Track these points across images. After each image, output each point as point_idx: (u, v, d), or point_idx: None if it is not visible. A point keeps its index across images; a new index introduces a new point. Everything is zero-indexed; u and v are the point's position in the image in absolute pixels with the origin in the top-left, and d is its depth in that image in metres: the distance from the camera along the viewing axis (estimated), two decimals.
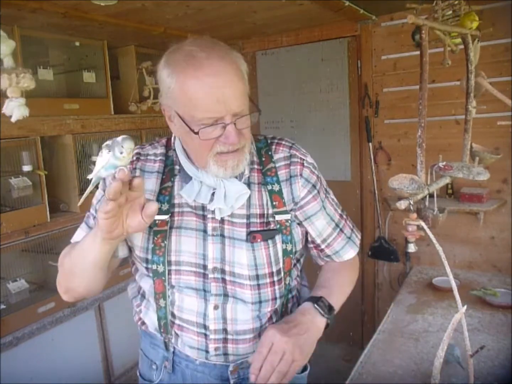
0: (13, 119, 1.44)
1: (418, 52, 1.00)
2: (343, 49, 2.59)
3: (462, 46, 1.14)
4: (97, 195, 1.01)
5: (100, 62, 2.32)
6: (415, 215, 1.00)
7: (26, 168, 1.93)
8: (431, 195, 1.01)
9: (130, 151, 0.75)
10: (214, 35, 0.92)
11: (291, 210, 1.00)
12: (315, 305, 0.97)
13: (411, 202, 0.95)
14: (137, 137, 2.44)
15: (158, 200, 0.96)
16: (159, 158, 1.01)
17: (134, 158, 0.99)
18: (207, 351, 0.98)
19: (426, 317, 1.69)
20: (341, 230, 1.07)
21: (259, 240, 0.96)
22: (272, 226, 0.97)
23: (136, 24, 2.08)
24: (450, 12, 1.09)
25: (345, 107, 2.65)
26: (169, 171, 0.99)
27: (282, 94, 2.84)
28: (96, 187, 0.97)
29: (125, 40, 2.39)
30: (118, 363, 2.27)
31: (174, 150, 1.00)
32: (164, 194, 0.97)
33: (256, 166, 1.00)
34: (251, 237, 0.95)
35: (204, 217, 0.97)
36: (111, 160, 0.75)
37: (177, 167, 0.99)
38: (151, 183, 0.98)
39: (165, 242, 0.95)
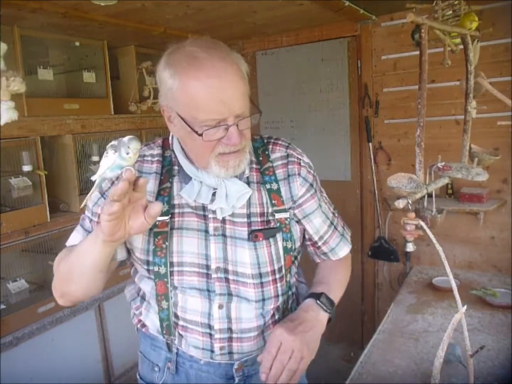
0: (1, 122, 1.45)
1: (418, 52, 1.00)
2: (343, 49, 2.59)
3: (462, 46, 1.14)
4: (93, 198, 0.99)
5: (100, 62, 2.32)
6: (413, 214, 1.00)
7: (26, 168, 1.93)
8: (429, 195, 1.01)
9: (136, 151, 0.75)
10: (214, 35, 0.92)
11: (289, 208, 1.01)
12: (318, 301, 0.99)
13: (410, 201, 0.95)
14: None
15: (157, 201, 0.96)
16: (156, 159, 1.00)
17: None
18: (212, 351, 0.99)
19: (426, 317, 1.69)
20: (335, 227, 1.11)
21: (261, 239, 0.96)
22: (272, 224, 0.99)
23: (136, 24, 2.08)
24: (450, 12, 1.09)
25: (345, 107, 2.65)
26: (167, 171, 0.99)
27: (282, 94, 2.84)
28: None
29: (125, 40, 2.39)
30: (118, 363, 2.27)
31: (173, 150, 1.00)
32: (163, 195, 0.96)
33: (254, 166, 1.01)
34: (253, 236, 0.96)
35: (205, 217, 0.97)
36: (117, 160, 0.75)
37: (175, 167, 0.99)
38: (150, 184, 0.97)
39: (166, 243, 0.95)
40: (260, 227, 0.97)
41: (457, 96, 2.10)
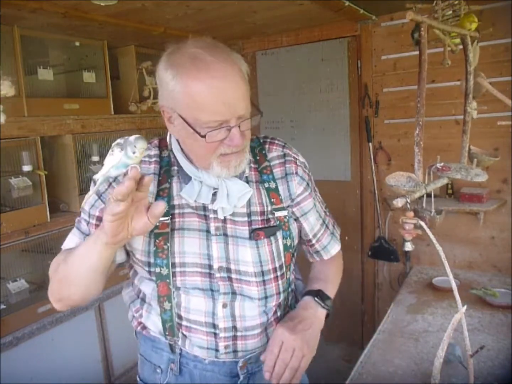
0: None
1: (418, 52, 1.00)
2: (343, 49, 2.59)
3: (462, 46, 1.14)
4: (90, 200, 0.97)
5: (100, 62, 2.32)
6: (412, 213, 1.00)
7: (26, 168, 1.93)
8: (428, 196, 1.01)
9: (142, 151, 0.74)
10: (214, 35, 0.92)
11: (288, 206, 1.03)
12: (315, 298, 1.03)
13: (408, 200, 0.95)
14: None
15: (160, 200, 0.96)
16: (153, 159, 1.00)
17: None
18: (217, 350, 0.99)
19: (426, 317, 1.69)
20: (326, 226, 1.14)
21: (262, 237, 0.98)
22: (272, 223, 1.00)
23: (136, 24, 2.08)
24: (450, 12, 1.09)
25: (345, 107, 2.65)
26: (165, 172, 0.99)
27: (282, 94, 2.84)
28: None
29: (125, 40, 2.39)
30: (118, 363, 2.27)
31: (171, 151, 1.00)
32: (162, 196, 0.96)
33: (252, 165, 1.02)
34: (254, 234, 0.97)
35: (206, 217, 0.97)
36: (123, 159, 0.74)
37: (175, 168, 0.99)
38: None
39: (168, 244, 0.95)
40: (260, 226, 0.98)
41: (457, 96, 2.10)
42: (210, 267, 0.96)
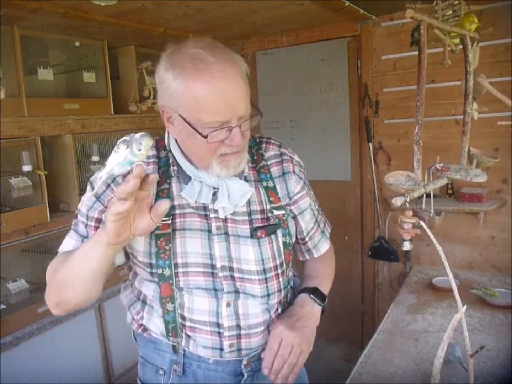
0: None
1: (418, 52, 1.00)
2: (343, 49, 2.59)
3: (462, 46, 1.14)
4: (88, 202, 0.97)
5: (100, 62, 2.32)
6: (410, 213, 1.00)
7: (26, 168, 1.93)
8: (427, 196, 1.01)
9: (148, 148, 0.74)
10: (214, 35, 0.92)
11: (286, 205, 1.04)
12: (311, 296, 1.06)
13: (407, 199, 0.95)
14: None
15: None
16: (151, 160, 1.00)
17: None
18: (221, 349, 0.99)
19: (426, 317, 1.69)
20: (318, 224, 1.15)
21: (263, 235, 0.99)
22: (271, 221, 1.01)
23: (136, 24, 2.08)
24: (450, 12, 1.09)
25: (345, 107, 2.65)
26: (164, 172, 0.99)
27: (282, 94, 2.84)
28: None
29: (125, 40, 2.39)
30: (118, 363, 2.27)
31: (170, 151, 1.00)
32: (162, 197, 0.96)
33: (250, 164, 1.03)
34: (256, 233, 0.98)
35: (206, 217, 0.97)
36: (128, 156, 0.73)
37: (174, 168, 0.99)
38: None
39: (170, 245, 0.95)
40: (261, 224, 0.99)
41: (457, 96, 2.10)
42: (212, 266, 0.97)
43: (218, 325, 0.98)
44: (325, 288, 1.11)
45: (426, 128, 1.00)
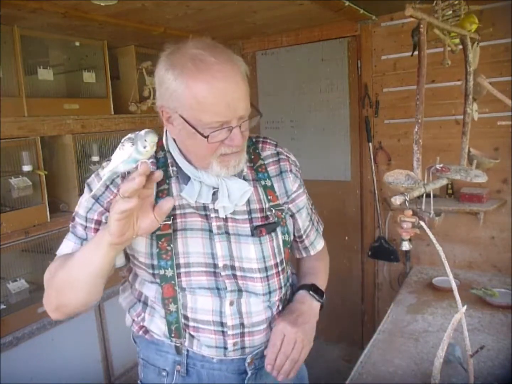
0: None
1: (418, 52, 1.00)
2: (343, 49, 2.59)
3: (462, 46, 1.14)
4: (87, 204, 0.96)
5: (100, 62, 2.31)
6: (410, 212, 0.99)
7: (26, 168, 1.92)
8: (427, 196, 1.01)
9: (153, 144, 0.73)
10: (214, 35, 0.92)
11: (284, 203, 1.06)
12: (310, 292, 1.08)
13: (407, 198, 0.94)
14: None
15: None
16: (150, 160, 0.99)
17: None
18: (225, 348, 1.00)
19: (426, 317, 1.69)
20: (312, 222, 1.18)
21: (264, 234, 1.00)
22: (271, 219, 1.02)
23: (136, 24, 2.08)
24: (450, 12, 1.09)
25: (345, 107, 2.65)
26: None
27: (282, 94, 2.84)
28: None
29: (125, 40, 2.39)
30: (118, 363, 2.27)
31: (168, 151, 1.00)
32: (162, 197, 0.95)
33: (247, 164, 1.04)
34: (257, 231, 0.99)
35: (207, 217, 0.98)
36: (133, 154, 0.73)
37: (173, 168, 0.99)
38: None
39: (171, 245, 0.95)
40: (261, 223, 1.00)
41: (457, 96, 2.10)
42: (215, 266, 0.97)
43: (222, 324, 0.98)
44: (322, 285, 1.14)
45: (426, 128, 1.00)
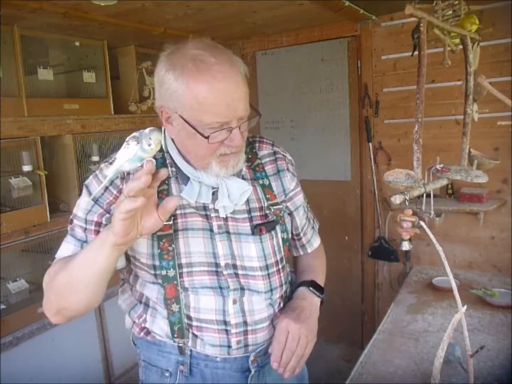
0: None
1: (418, 52, 1.00)
2: (343, 49, 2.59)
3: (462, 46, 1.14)
4: (86, 206, 0.96)
5: (100, 62, 2.31)
6: (410, 211, 0.99)
7: (26, 168, 1.92)
8: (427, 196, 1.01)
9: (158, 142, 0.73)
10: (214, 35, 0.92)
11: (282, 201, 1.07)
12: (310, 288, 1.09)
13: (407, 197, 0.94)
14: None
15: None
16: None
17: None
18: (229, 346, 1.00)
19: (426, 317, 1.69)
20: (308, 220, 1.19)
21: (264, 232, 1.01)
22: (270, 218, 1.03)
23: (136, 24, 2.08)
24: (450, 12, 1.09)
25: (345, 107, 2.65)
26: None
27: (282, 94, 2.84)
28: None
29: (125, 40, 2.39)
30: (118, 363, 2.27)
31: (167, 152, 1.00)
32: (161, 197, 0.95)
33: (245, 163, 1.04)
34: (258, 229, 1.00)
35: (207, 217, 0.98)
36: (138, 152, 0.73)
37: (173, 169, 0.99)
38: None
39: (173, 245, 0.95)
40: (260, 221, 1.01)
41: (457, 96, 2.10)
42: (217, 265, 0.98)
43: (225, 322, 0.98)
44: (321, 281, 1.15)
45: (426, 128, 1.00)
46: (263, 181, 1.05)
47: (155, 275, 0.97)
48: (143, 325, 1.04)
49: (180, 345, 1.01)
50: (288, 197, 1.09)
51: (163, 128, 0.99)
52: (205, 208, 0.98)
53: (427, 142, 0.99)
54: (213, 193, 0.98)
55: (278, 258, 1.04)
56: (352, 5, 2.07)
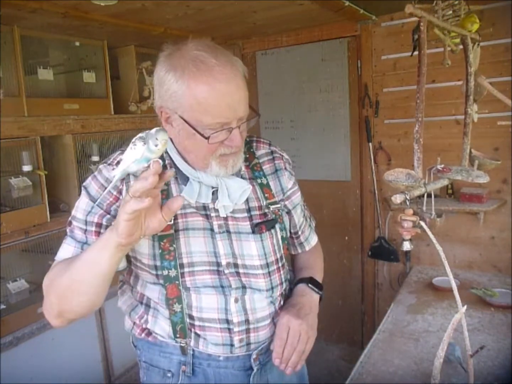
0: None
1: (418, 52, 0.99)
2: (343, 49, 2.59)
3: (462, 46, 1.14)
4: (85, 207, 0.95)
5: (100, 62, 2.31)
6: (411, 211, 0.99)
7: (26, 168, 1.92)
8: (428, 196, 1.00)
9: (164, 142, 0.73)
10: (214, 35, 0.93)
11: (280, 200, 1.08)
12: (309, 285, 1.11)
13: (407, 197, 0.94)
14: None
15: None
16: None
17: None
18: (232, 345, 1.00)
19: (426, 317, 1.69)
20: (306, 218, 1.21)
21: (264, 230, 1.01)
22: (269, 216, 1.04)
23: (136, 24, 2.08)
24: (450, 12, 1.09)
25: (345, 107, 2.65)
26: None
27: (282, 94, 2.83)
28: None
29: (125, 40, 2.39)
30: (118, 363, 2.27)
31: (166, 152, 1.00)
32: (162, 198, 0.95)
33: (244, 163, 1.05)
34: (258, 228, 1.00)
35: (207, 216, 0.98)
36: (145, 153, 0.73)
37: (172, 169, 0.99)
38: None
39: (174, 245, 0.95)
40: (260, 220, 1.02)
41: (457, 96, 2.10)
42: (218, 264, 0.98)
43: (228, 321, 0.99)
44: (319, 278, 1.17)
45: (426, 128, 1.00)
46: (261, 180, 1.06)
47: (157, 276, 0.97)
48: (144, 326, 1.04)
49: (182, 345, 1.01)
50: (286, 196, 1.10)
51: None
52: (205, 208, 0.99)
53: (427, 142, 0.99)
54: (213, 193, 0.98)
55: (278, 256, 1.05)
56: (352, 5, 2.07)
